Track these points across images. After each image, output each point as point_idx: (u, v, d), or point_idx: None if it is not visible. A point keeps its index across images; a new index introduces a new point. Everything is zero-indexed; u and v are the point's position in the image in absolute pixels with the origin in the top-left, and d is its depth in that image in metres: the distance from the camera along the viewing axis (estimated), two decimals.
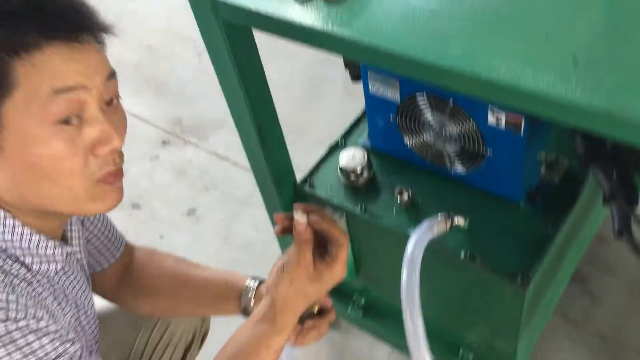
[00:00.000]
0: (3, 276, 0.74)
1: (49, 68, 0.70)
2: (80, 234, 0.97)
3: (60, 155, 0.73)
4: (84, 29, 0.73)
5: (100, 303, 1.17)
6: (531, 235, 1.14)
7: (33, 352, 0.72)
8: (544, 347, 1.59)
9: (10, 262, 0.78)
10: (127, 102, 2.75)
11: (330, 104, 2.42)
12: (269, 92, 1.14)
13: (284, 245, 1.51)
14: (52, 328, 0.76)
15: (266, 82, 1.11)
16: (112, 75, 0.78)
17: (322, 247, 0.89)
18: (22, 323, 0.72)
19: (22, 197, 0.77)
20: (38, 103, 0.70)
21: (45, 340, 0.74)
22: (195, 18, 0.98)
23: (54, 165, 0.73)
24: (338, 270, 0.88)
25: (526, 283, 1.07)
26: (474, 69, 0.69)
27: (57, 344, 0.75)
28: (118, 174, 0.80)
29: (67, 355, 0.76)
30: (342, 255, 0.87)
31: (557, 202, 1.18)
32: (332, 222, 0.88)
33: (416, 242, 1.02)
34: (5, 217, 0.78)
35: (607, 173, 0.86)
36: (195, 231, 2.08)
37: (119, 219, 2.13)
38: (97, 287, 1.11)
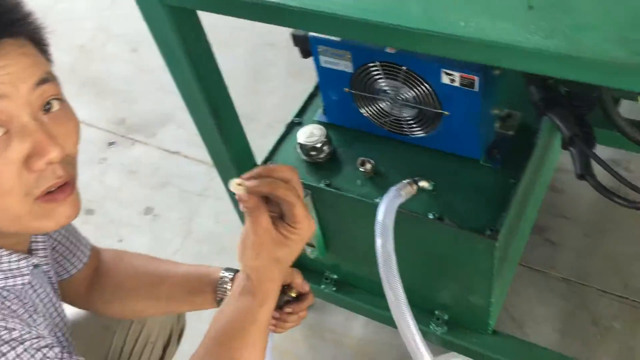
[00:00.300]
0: None
1: None
2: (46, 244, 0.94)
3: (3, 174, 0.68)
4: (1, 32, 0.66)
5: (70, 311, 1.14)
6: (494, 189, 1.16)
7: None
8: (513, 298, 1.65)
9: None
10: None
11: (276, 87, 2.40)
12: (220, 74, 1.12)
13: None
14: (27, 337, 0.73)
15: (216, 64, 1.09)
16: (43, 80, 0.71)
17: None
18: None
19: None
20: None
21: (20, 349, 0.71)
22: (138, 5, 0.95)
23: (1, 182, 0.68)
24: (301, 228, 0.79)
25: (495, 235, 1.09)
26: (435, 27, 0.69)
27: (33, 351, 0.72)
28: (64, 187, 0.74)
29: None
30: (298, 212, 0.78)
31: (515, 155, 1.21)
32: (273, 183, 0.78)
33: (386, 209, 1.02)
34: None
35: (565, 119, 0.88)
36: (154, 230, 2.04)
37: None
38: (67, 295, 1.08)
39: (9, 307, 0.77)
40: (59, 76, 0.73)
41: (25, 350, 0.71)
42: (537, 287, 1.66)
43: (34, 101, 0.70)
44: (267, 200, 0.80)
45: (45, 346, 0.74)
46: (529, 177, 1.22)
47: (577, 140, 0.86)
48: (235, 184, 0.77)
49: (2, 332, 0.70)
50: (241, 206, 0.79)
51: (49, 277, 0.95)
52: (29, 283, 0.85)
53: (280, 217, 0.80)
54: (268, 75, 2.46)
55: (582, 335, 1.56)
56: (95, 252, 1.14)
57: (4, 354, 0.69)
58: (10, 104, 0.67)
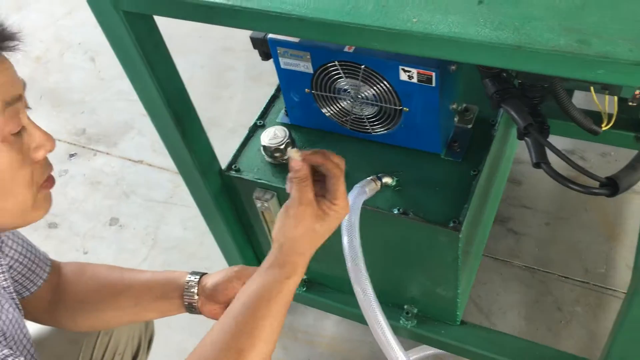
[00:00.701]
0: None
1: None
2: (2, 265, 0.92)
3: (14, 166, 0.74)
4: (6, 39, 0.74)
5: (34, 327, 1.12)
6: (456, 182, 1.19)
7: None
8: (479, 288, 1.68)
9: None
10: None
11: (237, 91, 2.40)
12: (181, 79, 1.12)
13: (218, 239, 1.50)
14: None
15: (176, 69, 1.09)
16: (24, 83, 0.79)
17: (322, 184, 0.87)
18: None
19: None
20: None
21: None
22: (93, 11, 0.95)
23: (11, 177, 0.75)
24: (340, 205, 0.85)
25: (458, 227, 1.12)
26: (387, 23, 0.71)
27: None
28: (50, 177, 0.83)
29: None
30: (341, 188, 0.85)
31: (474, 148, 1.24)
32: (326, 154, 0.85)
33: (351, 207, 1.04)
34: None
35: (519, 110, 0.91)
36: (120, 241, 2.02)
37: (36, 241, 2.02)
38: (29, 312, 1.05)
39: None
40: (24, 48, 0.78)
41: None
42: (502, 277, 1.70)
43: (25, 101, 0.79)
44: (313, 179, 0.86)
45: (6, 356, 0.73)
46: (488, 169, 1.25)
47: (531, 130, 0.89)
48: (294, 151, 0.84)
49: None
50: (291, 175, 0.84)
51: (12, 298, 0.93)
52: None
53: (322, 195, 0.86)
54: (228, 80, 2.45)
55: (547, 321, 1.60)
56: (56, 267, 1.11)
57: None
58: (20, 104, 0.76)
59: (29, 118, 0.78)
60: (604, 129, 1.21)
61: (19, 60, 0.78)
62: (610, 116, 1.28)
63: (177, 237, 1.99)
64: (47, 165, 0.81)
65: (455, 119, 1.27)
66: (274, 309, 0.84)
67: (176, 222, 2.01)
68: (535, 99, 0.97)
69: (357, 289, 0.99)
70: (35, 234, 2.05)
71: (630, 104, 0.95)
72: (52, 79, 2.63)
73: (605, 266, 1.67)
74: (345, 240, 1.03)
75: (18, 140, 0.75)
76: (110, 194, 2.16)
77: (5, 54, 0.75)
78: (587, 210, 1.78)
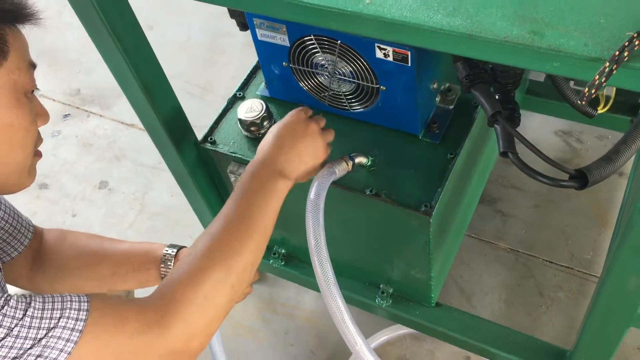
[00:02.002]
0: None
1: (22, 42, 0.81)
2: None
3: (29, 122, 0.81)
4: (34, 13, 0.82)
5: (12, 291, 1.12)
6: (431, 164, 1.16)
7: None
8: (461, 269, 1.66)
9: None
10: None
11: (233, 58, 2.37)
12: (150, 49, 1.09)
13: (196, 210, 1.49)
14: None
15: (145, 38, 1.06)
16: None
17: None
18: None
19: None
20: (21, 71, 0.78)
21: None
22: None
23: (25, 132, 0.80)
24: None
25: (429, 211, 1.09)
26: (337, 4, 0.68)
27: None
28: (40, 151, 0.88)
29: None
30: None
31: (454, 130, 1.20)
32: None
33: (317, 186, 1.01)
34: None
35: (488, 96, 0.87)
36: (109, 204, 2.02)
37: (26, 201, 2.04)
38: (9, 276, 1.06)
39: None
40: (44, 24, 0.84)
41: None
42: (485, 259, 1.68)
43: None
44: None
45: None
46: (467, 152, 1.22)
47: (499, 118, 0.85)
48: None
49: None
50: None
51: None
52: None
53: None
54: (224, 45, 2.41)
55: (528, 306, 1.58)
56: (38, 233, 1.12)
57: None
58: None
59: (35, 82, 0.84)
60: (599, 111, 1.17)
61: None
62: (607, 99, 1.24)
63: (163, 203, 1.98)
64: (40, 136, 0.87)
65: (437, 99, 1.23)
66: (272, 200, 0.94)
67: (163, 189, 2.01)
68: (507, 85, 0.93)
69: (317, 271, 0.97)
70: (26, 194, 2.06)
71: None
72: (49, 38, 2.60)
73: (592, 252, 1.64)
74: (308, 218, 1.01)
75: (29, 102, 0.81)
76: (101, 157, 2.16)
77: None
78: (578, 195, 1.74)
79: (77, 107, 2.33)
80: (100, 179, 2.09)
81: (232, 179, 1.26)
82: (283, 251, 1.52)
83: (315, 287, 1.58)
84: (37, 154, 0.87)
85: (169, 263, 1.12)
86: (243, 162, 1.24)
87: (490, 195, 1.78)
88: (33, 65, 0.83)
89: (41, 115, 0.86)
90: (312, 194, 1.03)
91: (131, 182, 2.06)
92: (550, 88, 1.09)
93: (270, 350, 1.62)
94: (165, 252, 1.14)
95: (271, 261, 1.52)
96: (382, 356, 1.56)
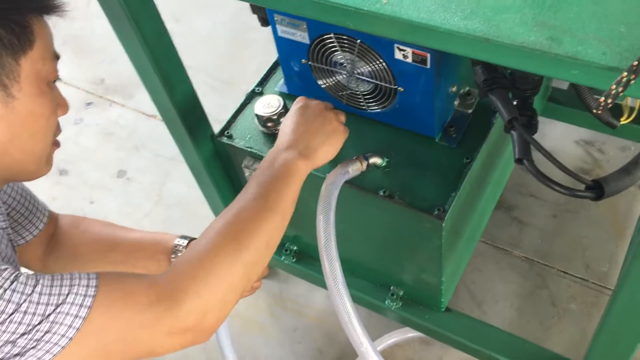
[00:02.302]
0: None
1: (47, 33, 0.82)
2: (1, 209, 0.94)
3: (51, 111, 0.82)
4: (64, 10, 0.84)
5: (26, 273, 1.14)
6: (446, 168, 1.15)
7: None
8: (474, 275, 1.65)
9: None
10: None
11: (257, 53, 2.37)
12: (170, 39, 1.09)
13: (210, 203, 1.50)
14: None
15: (165, 29, 1.07)
16: None
17: None
18: None
19: (1, 153, 0.79)
20: (45, 61, 0.80)
21: None
22: None
23: (47, 121, 0.82)
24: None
25: (442, 215, 1.08)
26: (357, 3, 0.67)
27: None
28: (58, 140, 0.90)
29: (2, 266, 0.73)
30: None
31: (471, 134, 1.19)
32: None
33: (329, 185, 1.01)
34: None
35: (506, 101, 0.86)
36: (126, 193, 2.04)
37: (46, 187, 2.07)
38: (22, 259, 1.08)
39: None
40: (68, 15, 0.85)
41: None
42: (499, 266, 1.66)
43: None
44: None
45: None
46: (484, 157, 1.20)
47: (516, 124, 0.84)
48: None
49: None
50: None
51: (10, 240, 0.95)
52: None
53: None
54: (249, 40, 2.42)
55: (540, 316, 1.56)
56: (53, 217, 1.14)
57: None
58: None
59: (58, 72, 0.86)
60: (622, 122, 1.15)
61: None
62: (632, 110, 1.21)
63: (180, 194, 1.99)
64: (59, 127, 0.88)
65: (456, 103, 1.22)
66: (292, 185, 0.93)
67: (181, 180, 2.02)
68: (526, 91, 0.91)
69: (326, 271, 0.97)
70: (46, 179, 2.07)
71: None
72: (76, 26, 2.63)
73: (608, 265, 1.62)
74: (319, 217, 1.00)
75: (52, 91, 0.83)
76: (121, 146, 2.18)
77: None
78: (597, 206, 1.71)
79: (100, 96, 2.35)
80: (119, 167, 2.12)
81: (247, 174, 1.26)
82: (295, 248, 1.52)
83: (325, 285, 1.57)
84: (56, 144, 0.89)
85: (179, 254, 1.13)
86: (258, 158, 1.24)
87: (508, 202, 1.76)
88: (57, 56, 0.84)
89: (61, 105, 0.88)
90: (324, 193, 1.03)
91: (149, 172, 2.08)
92: (574, 96, 1.07)
93: (277, 346, 1.62)
94: (176, 243, 1.14)
95: (282, 257, 1.52)
96: (389, 358, 1.55)
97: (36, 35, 0.79)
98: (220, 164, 1.36)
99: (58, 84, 0.87)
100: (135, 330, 0.75)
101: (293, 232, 1.48)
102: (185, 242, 1.14)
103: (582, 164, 1.80)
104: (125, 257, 1.15)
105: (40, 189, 2.08)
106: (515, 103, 0.92)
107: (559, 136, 1.87)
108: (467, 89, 1.23)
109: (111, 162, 2.13)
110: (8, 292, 0.69)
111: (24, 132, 0.80)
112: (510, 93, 0.92)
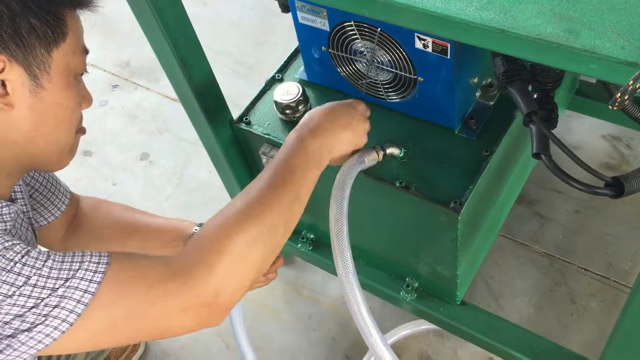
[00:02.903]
0: None
1: (79, 27, 0.84)
2: (23, 192, 0.96)
3: (77, 103, 0.84)
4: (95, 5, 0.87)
5: None
6: (465, 160, 1.13)
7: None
8: (493, 269, 1.63)
9: None
10: None
11: (282, 39, 2.36)
12: (190, 25, 1.09)
13: (231, 190, 1.50)
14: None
15: (184, 11, 1.07)
16: None
17: None
18: None
19: (26, 143, 0.81)
20: (75, 55, 0.81)
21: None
22: None
23: (72, 112, 0.83)
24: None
25: (459, 207, 1.07)
26: None
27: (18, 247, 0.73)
28: (84, 127, 0.92)
29: (15, 241, 0.73)
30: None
31: (492, 126, 1.17)
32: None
33: (344, 175, 1.00)
34: None
35: (525, 94, 0.84)
36: (148, 176, 2.06)
37: (70, 167, 2.09)
38: (43, 240, 1.10)
39: None
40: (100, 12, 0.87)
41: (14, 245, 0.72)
42: (519, 260, 1.64)
43: None
44: None
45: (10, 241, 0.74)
46: (504, 150, 1.18)
47: (534, 118, 0.82)
48: None
49: None
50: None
51: (31, 224, 0.97)
52: (13, 227, 0.87)
53: None
54: (275, 25, 2.41)
55: (558, 313, 1.54)
56: (75, 200, 1.16)
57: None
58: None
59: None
60: None
61: None
62: None
63: (201, 179, 2.01)
64: (82, 118, 0.90)
65: (477, 94, 1.20)
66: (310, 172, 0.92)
67: (202, 165, 2.03)
68: (547, 84, 0.89)
69: (338, 261, 0.96)
70: (72, 160, 2.11)
71: None
72: (105, 9, 2.64)
73: (631, 263, 1.58)
74: (332, 206, 1.00)
75: (78, 84, 0.85)
76: (144, 129, 2.20)
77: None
78: (623, 203, 1.67)
79: (126, 79, 2.37)
80: (142, 150, 2.13)
81: (264, 160, 1.26)
82: (311, 236, 1.52)
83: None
84: (80, 131, 0.90)
85: None
86: (276, 145, 1.24)
87: (530, 197, 1.73)
88: (86, 51, 0.86)
89: (86, 99, 0.89)
90: (338, 182, 1.03)
91: (171, 155, 2.10)
92: (601, 90, 1.04)
93: (292, 333, 1.63)
94: (194, 230, 1.15)
95: (299, 245, 1.52)
96: (403, 350, 1.55)
97: (69, 28, 0.80)
98: (238, 149, 1.36)
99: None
100: (146, 307, 0.74)
101: (309, 220, 1.48)
102: None
103: (608, 159, 1.76)
104: (144, 243, 1.16)
105: (65, 169, 2.11)
106: (535, 96, 0.90)
107: (585, 130, 1.83)
108: (489, 80, 1.21)
109: (135, 145, 2.15)
110: (18, 265, 0.70)
111: (50, 122, 0.82)
112: (531, 86, 0.90)
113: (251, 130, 1.26)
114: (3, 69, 0.75)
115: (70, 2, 0.81)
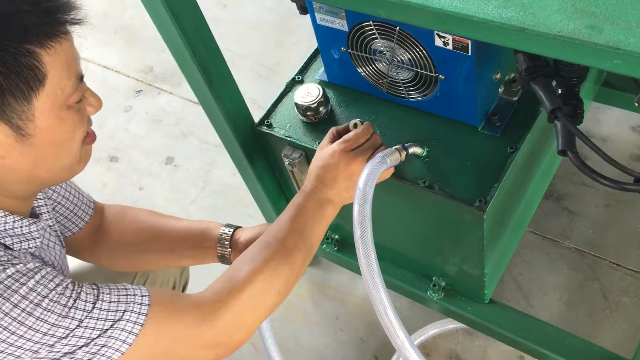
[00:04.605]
0: None
1: (66, 57, 0.76)
2: (47, 206, 0.97)
3: (76, 127, 0.81)
4: (81, 19, 0.78)
5: (73, 263, 1.18)
6: (489, 158, 1.12)
7: (34, 286, 0.75)
8: (522, 266, 1.61)
9: None
10: (98, 52, 2.73)
11: (302, 39, 2.36)
12: (209, 31, 1.10)
13: (252, 191, 1.50)
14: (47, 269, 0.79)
15: (202, 16, 1.07)
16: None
17: None
18: (10, 271, 0.75)
19: (30, 176, 0.81)
20: (64, 90, 0.76)
21: (38, 276, 0.77)
22: None
23: (72, 137, 0.81)
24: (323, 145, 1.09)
25: (484, 206, 1.05)
26: None
27: (52, 275, 0.78)
28: (93, 132, 0.88)
29: (65, 283, 0.79)
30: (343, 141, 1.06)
31: (516, 123, 1.15)
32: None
33: (367, 176, 0.99)
34: None
35: (548, 90, 0.82)
36: (173, 180, 2.07)
37: (97, 173, 2.13)
38: (71, 250, 1.11)
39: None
40: (93, 22, 0.81)
41: (42, 276, 0.77)
42: (548, 257, 1.61)
43: None
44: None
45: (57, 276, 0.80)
46: (530, 146, 1.16)
47: (559, 115, 0.80)
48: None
49: (19, 266, 0.76)
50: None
51: (57, 236, 0.99)
52: (41, 244, 0.90)
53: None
54: (294, 26, 2.41)
55: (590, 309, 1.51)
56: (99, 209, 1.16)
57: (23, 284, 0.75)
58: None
59: (85, 84, 0.83)
60: None
61: None
62: None
63: (226, 182, 2.02)
64: (89, 121, 0.87)
65: (500, 90, 1.18)
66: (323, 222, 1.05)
67: (227, 168, 2.04)
68: (571, 79, 0.87)
69: (362, 261, 0.96)
70: (97, 166, 2.15)
71: None
72: (127, 15, 2.68)
73: None
74: (355, 207, 0.99)
75: (79, 105, 0.81)
76: (169, 133, 2.22)
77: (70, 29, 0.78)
78: None
79: (149, 84, 2.40)
80: (167, 154, 2.15)
81: (286, 162, 1.26)
82: (337, 237, 1.52)
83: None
84: (87, 142, 0.86)
85: (225, 242, 1.14)
86: (298, 147, 1.24)
87: (558, 192, 1.70)
88: (80, 77, 0.80)
89: (93, 106, 0.85)
90: (361, 183, 1.02)
91: (196, 159, 2.11)
92: (629, 81, 1.02)
93: (319, 333, 1.62)
94: (222, 231, 1.15)
95: (324, 246, 1.52)
96: (432, 349, 1.54)
97: (48, 68, 0.73)
98: (260, 152, 1.36)
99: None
100: (179, 345, 0.86)
101: (335, 221, 1.46)
102: (231, 230, 1.14)
103: (638, 151, 1.72)
104: (172, 246, 1.16)
105: (92, 175, 2.15)
106: (559, 92, 0.88)
107: (614, 122, 1.79)
108: (512, 75, 1.19)
109: (159, 149, 2.17)
110: (72, 310, 0.77)
111: (47, 158, 0.80)
112: (554, 81, 0.88)
113: (273, 133, 1.26)
114: None
115: (40, 36, 0.72)
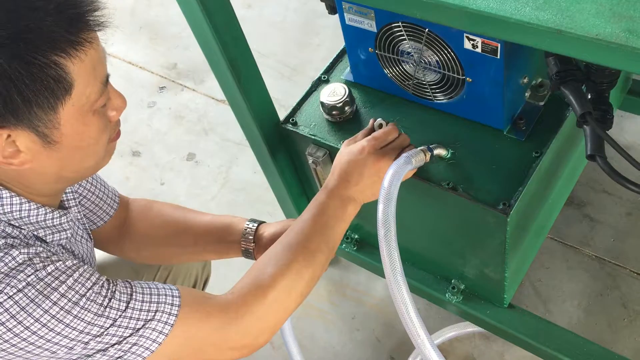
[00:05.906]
0: (27, 249, 0.78)
1: (92, 63, 0.76)
2: (75, 200, 0.99)
3: (101, 131, 0.82)
4: (105, 22, 0.78)
5: (99, 254, 1.20)
6: (514, 162, 1.12)
7: (73, 284, 0.78)
8: (541, 272, 1.60)
9: (27, 240, 0.82)
10: (123, 48, 2.77)
11: (325, 40, 2.37)
12: (239, 28, 1.11)
13: (274, 189, 1.52)
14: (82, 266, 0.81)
15: (234, 14, 1.08)
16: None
17: None
18: (50, 268, 0.76)
19: (57, 177, 0.83)
20: (89, 97, 0.76)
21: (76, 274, 0.79)
22: None
23: (97, 141, 0.82)
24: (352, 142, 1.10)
25: (507, 209, 1.06)
26: None
27: (88, 274, 0.80)
28: (119, 130, 0.90)
29: (100, 282, 0.81)
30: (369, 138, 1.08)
31: (542, 127, 1.15)
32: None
33: (392, 176, 1.00)
34: (11, 196, 0.81)
35: (579, 95, 0.82)
36: (194, 176, 2.09)
37: (120, 167, 2.16)
38: (98, 242, 1.13)
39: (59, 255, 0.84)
40: (119, 19, 0.82)
41: (83, 271, 0.80)
42: (568, 264, 1.61)
43: None
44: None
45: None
46: (555, 151, 1.16)
47: (589, 119, 0.80)
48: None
49: (58, 264, 0.78)
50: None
51: (85, 229, 1.01)
52: (72, 235, 0.93)
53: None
54: (318, 27, 2.42)
55: (609, 317, 1.50)
56: (124, 202, 1.18)
57: (63, 282, 0.77)
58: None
59: (110, 85, 0.83)
60: None
61: None
62: None
63: (246, 179, 2.03)
64: (118, 122, 0.88)
65: (527, 94, 1.18)
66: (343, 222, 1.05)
67: (247, 165, 2.06)
68: (602, 84, 0.87)
69: (385, 261, 0.96)
70: (120, 160, 2.17)
71: None
72: (153, 12, 2.71)
73: None
74: (380, 208, 1.00)
75: (103, 108, 0.82)
76: (191, 130, 2.24)
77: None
78: None
79: (173, 81, 2.42)
80: (188, 150, 2.17)
81: (310, 161, 1.27)
82: (356, 237, 1.52)
83: (383, 274, 1.57)
84: (113, 139, 0.88)
85: (249, 237, 1.15)
86: (322, 145, 1.25)
87: (579, 199, 1.69)
88: (106, 79, 0.80)
89: (117, 108, 0.85)
90: (385, 183, 1.02)
91: (217, 156, 2.13)
92: None
93: (336, 332, 1.63)
94: (246, 226, 1.16)
95: (344, 246, 1.53)
96: (448, 352, 1.54)
97: (74, 77, 0.73)
98: (284, 150, 1.37)
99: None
100: (207, 346, 0.88)
101: (355, 220, 1.47)
102: (255, 225, 1.15)
103: None
104: (196, 240, 1.17)
105: (115, 169, 2.17)
106: (589, 97, 0.88)
107: (637, 130, 1.78)
108: (539, 80, 1.19)
109: (181, 145, 2.19)
110: (107, 309, 0.79)
111: (74, 160, 0.82)
112: (585, 86, 0.88)
113: (297, 131, 1.27)
114: (9, 137, 0.74)
115: (63, 51, 0.71)
